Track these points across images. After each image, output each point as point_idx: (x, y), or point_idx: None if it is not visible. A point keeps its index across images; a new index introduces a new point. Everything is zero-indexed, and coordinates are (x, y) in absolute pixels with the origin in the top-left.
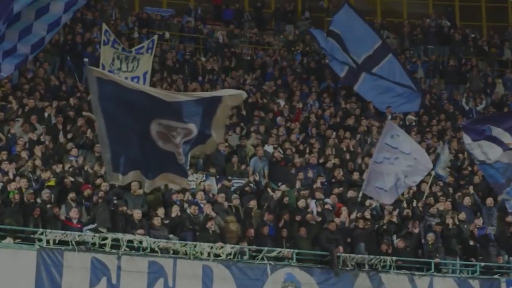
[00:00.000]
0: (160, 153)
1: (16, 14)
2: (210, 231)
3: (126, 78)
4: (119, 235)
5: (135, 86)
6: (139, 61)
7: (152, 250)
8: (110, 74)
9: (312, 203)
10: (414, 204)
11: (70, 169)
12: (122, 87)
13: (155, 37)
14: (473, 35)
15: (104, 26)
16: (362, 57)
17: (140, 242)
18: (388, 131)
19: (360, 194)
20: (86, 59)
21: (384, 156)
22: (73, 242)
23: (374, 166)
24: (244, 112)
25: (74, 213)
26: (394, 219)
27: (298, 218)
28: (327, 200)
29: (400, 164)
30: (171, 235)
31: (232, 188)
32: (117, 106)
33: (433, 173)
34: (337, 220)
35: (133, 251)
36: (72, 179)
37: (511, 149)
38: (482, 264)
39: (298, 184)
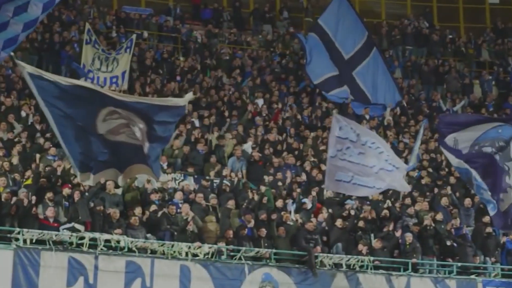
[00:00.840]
0: (121, 146)
1: (3, 23)
2: (188, 232)
3: (105, 78)
4: (97, 235)
5: (70, 81)
6: (118, 61)
7: (130, 250)
8: (40, 71)
9: (290, 203)
10: (391, 204)
11: (47, 169)
12: (56, 83)
13: (134, 36)
14: (451, 36)
15: (87, 26)
16: (350, 53)
17: (118, 242)
18: (336, 124)
19: (325, 192)
20: (11, 53)
21: (336, 149)
22: (50, 242)
23: (330, 161)
24: (226, 113)
25: (50, 212)
26: (370, 217)
27: (273, 217)
28: (305, 200)
29: (352, 152)
30: (149, 235)
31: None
32: (60, 102)
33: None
34: (314, 220)
35: (111, 251)
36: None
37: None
38: (459, 264)
39: (276, 184)
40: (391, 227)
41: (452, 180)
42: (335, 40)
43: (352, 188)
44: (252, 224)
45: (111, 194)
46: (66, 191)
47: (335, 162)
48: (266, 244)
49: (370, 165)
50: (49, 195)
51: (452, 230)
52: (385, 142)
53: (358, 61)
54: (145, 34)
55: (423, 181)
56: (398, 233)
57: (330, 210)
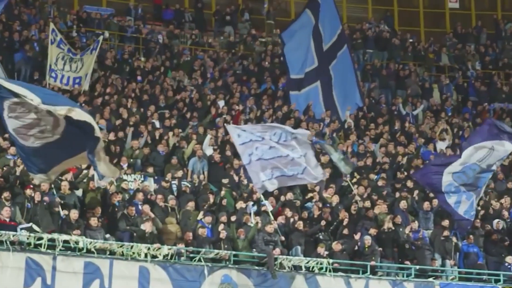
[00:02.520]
0: (41, 149)
1: None
2: (148, 233)
3: (68, 77)
4: (55, 235)
5: None
6: (83, 62)
7: (88, 251)
8: None
9: (250, 205)
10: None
11: (5, 168)
12: None
13: (101, 38)
14: (411, 40)
15: (52, 26)
16: (328, 44)
17: (76, 243)
18: (233, 135)
19: (260, 196)
20: None
21: (248, 154)
22: (8, 242)
23: (248, 168)
24: (187, 114)
25: (5, 212)
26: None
27: (233, 218)
28: (265, 202)
29: (263, 150)
30: (108, 236)
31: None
32: None
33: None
34: (274, 222)
35: (69, 252)
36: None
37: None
38: (417, 267)
39: (236, 186)
40: (348, 229)
41: (409, 183)
42: (321, 24)
43: (276, 182)
44: (219, 224)
45: (66, 195)
46: (28, 192)
47: (253, 167)
48: (225, 246)
49: (284, 154)
50: (5, 194)
51: (411, 233)
52: (292, 129)
53: (333, 56)
54: (106, 34)
55: (381, 184)
56: (357, 236)
57: (290, 213)
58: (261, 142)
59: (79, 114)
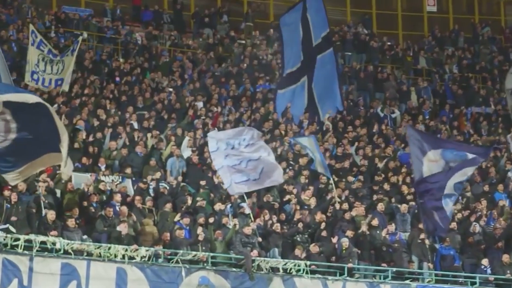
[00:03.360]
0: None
1: None
2: (123, 235)
3: (50, 79)
4: (32, 236)
5: None
6: (64, 63)
7: (66, 252)
8: None
9: (228, 207)
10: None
11: None
12: None
13: (80, 38)
14: (389, 43)
15: (31, 27)
16: (315, 43)
17: (53, 244)
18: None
19: (239, 198)
20: None
21: (215, 164)
22: None
23: (220, 173)
24: (165, 116)
25: None
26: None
27: (211, 220)
28: (243, 204)
29: (219, 159)
30: (85, 237)
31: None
32: None
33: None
34: (253, 223)
35: (46, 253)
36: None
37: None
38: (394, 269)
39: (215, 188)
40: (325, 231)
41: (386, 186)
42: (310, 20)
43: (243, 186)
44: (197, 226)
45: (43, 195)
46: (6, 193)
47: (225, 170)
48: (203, 248)
49: (239, 161)
50: None
51: (387, 235)
52: (259, 133)
53: (315, 57)
54: (85, 35)
55: (356, 186)
56: (334, 239)
57: (268, 215)
58: (217, 152)
59: (22, 97)
